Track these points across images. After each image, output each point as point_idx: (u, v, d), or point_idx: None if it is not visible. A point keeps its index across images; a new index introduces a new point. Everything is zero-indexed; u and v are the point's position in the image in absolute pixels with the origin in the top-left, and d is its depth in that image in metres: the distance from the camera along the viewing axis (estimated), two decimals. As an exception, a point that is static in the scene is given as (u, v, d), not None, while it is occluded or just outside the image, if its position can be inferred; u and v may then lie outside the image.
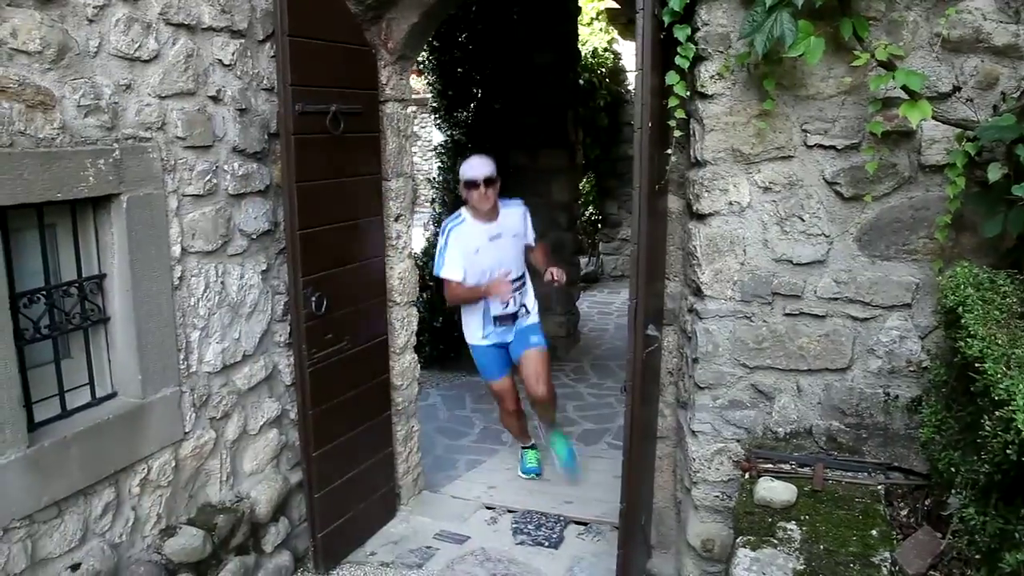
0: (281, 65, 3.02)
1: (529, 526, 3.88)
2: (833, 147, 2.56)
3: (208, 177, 2.92)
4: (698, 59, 2.66)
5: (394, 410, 3.95)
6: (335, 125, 3.26)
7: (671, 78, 2.62)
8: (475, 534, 3.82)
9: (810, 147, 2.59)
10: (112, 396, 2.71)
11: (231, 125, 3.03)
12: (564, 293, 6.23)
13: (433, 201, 7.20)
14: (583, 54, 8.42)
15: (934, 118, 2.36)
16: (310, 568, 3.52)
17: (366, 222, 3.62)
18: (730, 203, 2.70)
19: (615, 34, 9.34)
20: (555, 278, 3.88)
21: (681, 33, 2.61)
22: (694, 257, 2.81)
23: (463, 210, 3.97)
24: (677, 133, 2.71)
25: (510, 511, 4.04)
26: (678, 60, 2.62)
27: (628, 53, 9.20)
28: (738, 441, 2.84)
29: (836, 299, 2.65)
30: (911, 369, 2.62)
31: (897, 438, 2.67)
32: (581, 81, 7.95)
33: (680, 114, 2.65)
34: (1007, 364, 1.86)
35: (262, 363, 3.30)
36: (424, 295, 5.87)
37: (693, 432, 2.90)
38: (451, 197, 6.33)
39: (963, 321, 2.11)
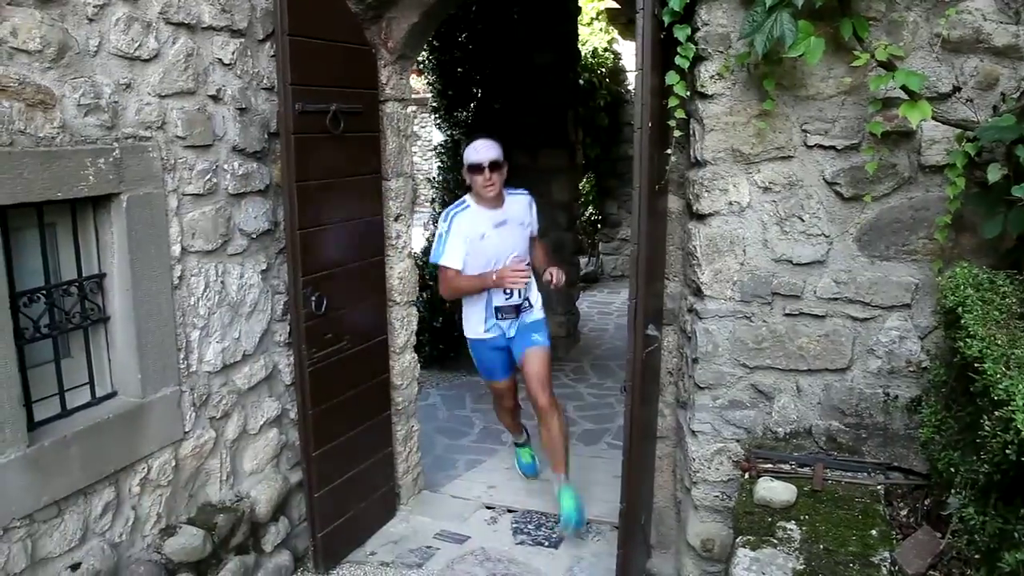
0: (281, 64, 3.02)
1: (529, 526, 3.88)
2: (833, 147, 2.56)
3: (208, 176, 2.92)
4: (698, 59, 2.66)
5: (394, 410, 3.95)
6: (335, 124, 3.26)
7: (671, 78, 2.62)
8: (475, 534, 3.82)
9: (810, 147, 2.59)
10: (112, 395, 2.71)
11: (231, 124, 3.03)
12: (564, 293, 6.22)
13: (433, 201, 7.21)
14: (583, 54, 8.42)
15: (934, 118, 2.36)
16: (310, 568, 3.51)
17: (366, 222, 3.61)
18: (730, 203, 2.70)
19: (615, 34, 9.34)
20: (553, 279, 3.67)
21: (681, 33, 2.61)
22: (694, 257, 2.81)
23: (467, 197, 3.78)
24: (677, 133, 2.71)
25: (510, 511, 4.04)
26: (678, 60, 2.62)
27: (628, 53, 9.20)
28: (738, 441, 2.84)
29: (836, 299, 2.65)
30: (911, 369, 2.62)
31: (897, 438, 2.67)
32: (581, 81, 7.94)
33: (680, 114, 2.65)
34: (1006, 364, 1.86)
35: (262, 363, 3.30)
36: (424, 295, 5.87)
37: (693, 432, 2.90)
38: (451, 197, 6.32)
39: (963, 321, 2.11)
